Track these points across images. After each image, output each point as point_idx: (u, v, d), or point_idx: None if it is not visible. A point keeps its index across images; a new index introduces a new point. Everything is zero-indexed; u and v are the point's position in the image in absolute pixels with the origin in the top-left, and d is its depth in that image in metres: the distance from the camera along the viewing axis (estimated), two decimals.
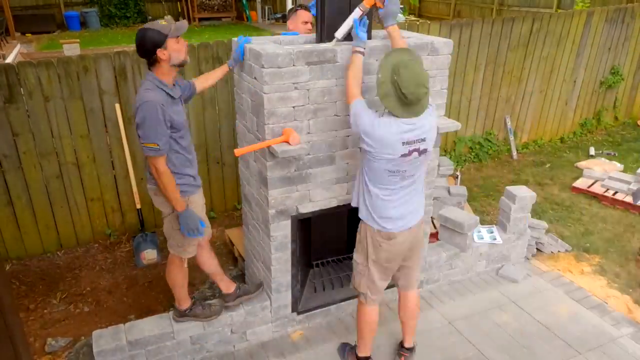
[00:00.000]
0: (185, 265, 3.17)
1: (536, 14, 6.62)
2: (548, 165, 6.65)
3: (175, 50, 2.69)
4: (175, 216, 2.91)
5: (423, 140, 2.68)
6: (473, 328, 3.66)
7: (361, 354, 3.24)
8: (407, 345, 3.35)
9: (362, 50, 2.81)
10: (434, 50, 3.22)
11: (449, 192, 5.41)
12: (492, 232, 4.24)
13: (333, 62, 2.94)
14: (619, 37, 7.34)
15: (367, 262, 2.94)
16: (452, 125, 3.34)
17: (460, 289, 4.09)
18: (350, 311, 3.77)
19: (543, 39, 6.58)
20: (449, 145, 6.55)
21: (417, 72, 2.54)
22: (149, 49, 2.66)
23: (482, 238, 4.19)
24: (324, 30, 3.03)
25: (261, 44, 3.03)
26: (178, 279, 3.19)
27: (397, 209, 2.81)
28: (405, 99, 2.54)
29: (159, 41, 2.64)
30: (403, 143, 2.61)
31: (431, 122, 2.74)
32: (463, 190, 5.38)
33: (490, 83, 6.47)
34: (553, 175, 6.29)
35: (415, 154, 2.67)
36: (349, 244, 4.07)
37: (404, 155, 2.64)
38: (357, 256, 3.01)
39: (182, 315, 3.25)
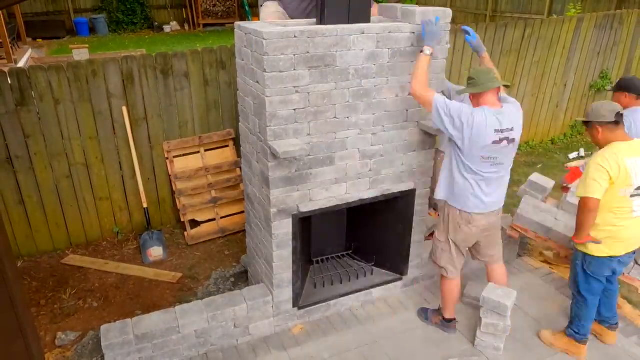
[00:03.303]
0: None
1: (528, 20, 6.62)
2: (540, 165, 6.64)
3: None
4: None
5: (511, 129, 2.91)
6: (468, 322, 3.65)
7: (448, 317, 3.55)
8: None
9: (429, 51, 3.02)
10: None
11: None
12: None
13: (333, 66, 2.94)
14: (607, 42, 7.33)
15: (448, 240, 3.26)
16: None
17: None
18: (350, 306, 3.77)
19: (535, 44, 6.57)
20: None
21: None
22: None
23: None
24: (325, 13, 2.98)
25: (263, 26, 2.99)
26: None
27: (484, 195, 3.05)
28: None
29: None
30: (495, 131, 2.86)
31: (517, 115, 2.98)
32: None
33: None
34: (544, 175, 6.28)
35: (505, 142, 2.90)
36: (349, 241, 4.08)
37: (495, 143, 2.88)
38: (438, 234, 3.34)
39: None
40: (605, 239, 3.04)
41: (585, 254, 3.15)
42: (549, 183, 4.40)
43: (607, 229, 3.02)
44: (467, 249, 3.39)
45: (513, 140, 2.95)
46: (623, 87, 3.75)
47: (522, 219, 4.02)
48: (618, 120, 2.95)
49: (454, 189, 3.11)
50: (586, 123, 3.08)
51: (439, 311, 3.63)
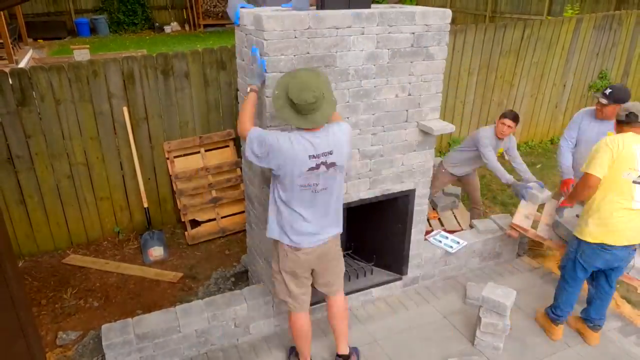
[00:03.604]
0: None
1: (527, 21, 6.62)
2: (539, 165, 6.64)
3: None
4: None
5: (330, 153, 2.61)
6: (467, 322, 3.66)
7: None
8: (341, 352, 3.20)
9: (256, 87, 2.78)
10: (429, 56, 3.22)
11: (443, 191, 5.42)
12: (457, 243, 4.10)
13: (333, 66, 2.94)
14: (606, 43, 7.33)
15: (280, 271, 2.89)
16: (447, 127, 3.34)
17: (455, 284, 4.09)
18: (350, 306, 3.77)
19: (534, 45, 6.58)
20: (443, 147, 6.55)
21: (304, 79, 2.50)
22: None
23: (440, 242, 4.10)
24: None
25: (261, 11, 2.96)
26: None
27: (310, 224, 2.73)
28: (294, 106, 2.50)
29: None
30: (310, 156, 2.56)
31: (340, 137, 2.65)
32: (457, 190, 5.40)
33: (483, 87, 6.47)
34: (544, 175, 6.29)
35: (324, 167, 2.61)
36: (348, 241, 4.07)
37: (311, 169, 2.59)
38: (273, 265, 2.96)
39: None
40: (601, 225, 3.09)
41: (580, 241, 3.21)
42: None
43: (605, 215, 3.07)
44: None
45: (333, 164, 2.65)
46: (618, 99, 3.80)
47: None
48: (630, 120, 3.09)
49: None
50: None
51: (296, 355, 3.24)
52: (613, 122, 3.75)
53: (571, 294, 3.39)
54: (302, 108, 2.49)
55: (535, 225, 4.07)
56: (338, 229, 2.90)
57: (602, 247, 3.12)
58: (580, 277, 3.30)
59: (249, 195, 3.60)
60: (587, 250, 3.18)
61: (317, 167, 2.60)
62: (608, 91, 3.85)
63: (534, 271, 4.28)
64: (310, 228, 2.75)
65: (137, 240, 4.79)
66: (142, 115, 4.57)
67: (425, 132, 3.40)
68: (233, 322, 3.37)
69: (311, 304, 3.58)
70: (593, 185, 3.07)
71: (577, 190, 3.24)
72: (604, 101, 3.85)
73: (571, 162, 4.17)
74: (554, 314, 3.47)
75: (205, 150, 4.92)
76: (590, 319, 3.46)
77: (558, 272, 4.22)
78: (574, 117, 4.22)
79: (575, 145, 4.19)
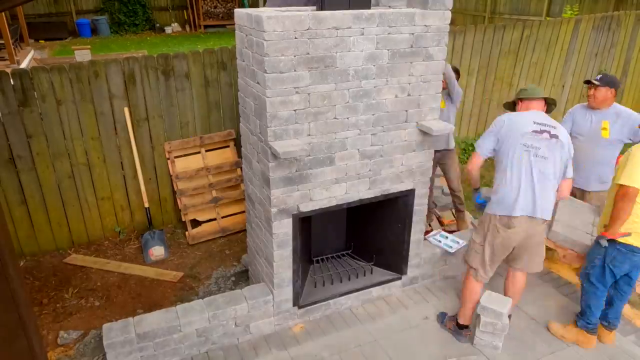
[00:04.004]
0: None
1: (526, 22, 6.63)
2: None
3: None
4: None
5: (554, 127, 3.07)
6: None
7: (462, 322, 3.47)
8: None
9: None
10: (429, 57, 3.22)
11: (442, 191, 5.42)
12: (457, 242, 4.10)
13: (333, 67, 2.94)
14: (605, 44, 7.34)
15: (484, 243, 3.21)
16: (446, 127, 3.34)
17: (455, 284, 4.09)
18: (349, 305, 3.77)
19: (533, 46, 6.58)
20: None
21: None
22: None
23: (440, 242, 4.10)
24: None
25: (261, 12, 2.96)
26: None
27: (523, 193, 3.03)
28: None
29: None
30: (534, 122, 3.06)
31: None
32: None
33: (482, 87, 6.47)
34: None
35: (547, 135, 3.01)
36: (348, 241, 4.08)
37: (535, 132, 3.02)
38: (475, 236, 3.30)
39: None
40: (635, 230, 3.06)
41: (608, 250, 3.16)
42: None
43: (638, 220, 3.04)
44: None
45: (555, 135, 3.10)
46: (609, 82, 3.85)
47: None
48: None
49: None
50: None
51: (454, 317, 3.57)
52: (606, 110, 3.79)
53: (600, 298, 3.35)
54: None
55: None
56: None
57: (632, 250, 3.10)
58: (609, 281, 3.27)
59: (249, 195, 3.60)
60: (618, 256, 3.15)
61: (541, 132, 3.05)
62: (598, 77, 3.91)
63: None
64: (520, 198, 3.08)
65: (138, 240, 4.79)
66: (143, 116, 4.57)
67: (424, 133, 3.40)
68: (233, 322, 3.37)
69: (311, 304, 3.60)
70: (633, 198, 2.94)
71: (619, 210, 2.99)
72: (595, 82, 3.87)
73: None
74: (589, 324, 3.40)
75: (206, 151, 4.92)
76: (608, 319, 3.45)
77: (556, 272, 4.23)
78: (568, 111, 4.21)
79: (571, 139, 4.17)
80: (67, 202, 4.52)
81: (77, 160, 4.43)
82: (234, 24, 3.10)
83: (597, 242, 3.25)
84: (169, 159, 4.76)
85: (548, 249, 4.34)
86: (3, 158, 4.14)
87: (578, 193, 4.10)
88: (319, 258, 3.97)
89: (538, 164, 3.04)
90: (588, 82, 3.93)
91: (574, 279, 4.17)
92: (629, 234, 3.06)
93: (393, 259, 3.88)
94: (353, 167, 3.28)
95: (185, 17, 17.47)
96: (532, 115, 3.17)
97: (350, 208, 3.52)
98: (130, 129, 4.50)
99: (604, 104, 3.85)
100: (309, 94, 2.94)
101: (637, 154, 2.98)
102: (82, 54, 9.10)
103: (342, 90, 3.03)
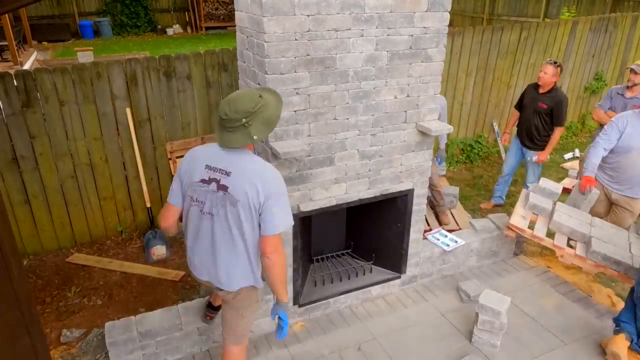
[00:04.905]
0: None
1: (524, 23, 6.63)
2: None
3: None
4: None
5: (227, 174, 2.26)
6: (465, 319, 3.66)
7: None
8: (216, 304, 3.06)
9: None
10: (428, 58, 3.22)
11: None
12: (455, 242, 4.09)
13: (332, 68, 2.94)
14: (602, 45, 7.34)
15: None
16: (445, 128, 3.34)
17: (453, 283, 4.09)
18: (349, 304, 3.77)
19: (531, 47, 6.58)
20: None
21: (235, 96, 2.29)
22: None
23: (438, 240, 4.09)
24: None
25: None
26: None
27: (196, 256, 2.44)
28: (219, 118, 2.29)
29: None
30: (206, 166, 2.30)
31: (252, 170, 2.27)
32: (455, 190, 5.39)
33: (480, 88, 6.47)
34: (540, 175, 6.28)
35: (214, 184, 2.27)
36: (348, 240, 4.08)
37: (203, 181, 2.30)
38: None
39: None
40: None
41: None
42: (557, 188, 4.28)
43: None
44: None
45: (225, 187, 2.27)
46: None
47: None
48: None
49: None
50: None
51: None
52: None
53: None
54: (222, 120, 2.26)
55: (532, 225, 4.07)
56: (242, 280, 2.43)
57: None
58: None
59: None
60: None
61: (209, 181, 2.28)
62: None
63: (531, 270, 4.28)
64: (196, 260, 2.44)
65: (140, 239, 4.79)
66: (145, 116, 4.57)
67: (423, 133, 3.40)
68: None
69: (311, 302, 3.60)
70: None
71: None
72: (636, 68, 4.05)
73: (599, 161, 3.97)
74: None
75: None
76: None
77: (555, 272, 4.23)
78: (615, 120, 3.90)
79: (617, 151, 3.90)
80: (70, 201, 4.53)
81: (79, 161, 4.43)
82: (234, 26, 3.10)
83: None
84: (170, 159, 4.76)
85: (545, 247, 4.35)
86: (6, 158, 4.14)
87: (621, 200, 4.05)
88: (319, 257, 3.97)
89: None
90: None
91: (571, 278, 4.18)
92: None
93: (392, 258, 3.88)
94: (353, 167, 3.28)
95: (187, 19, 17.48)
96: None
97: (350, 208, 3.52)
98: (132, 129, 4.50)
99: None
100: (309, 95, 2.94)
101: None
102: (85, 56, 9.11)
103: (342, 91, 3.03)
